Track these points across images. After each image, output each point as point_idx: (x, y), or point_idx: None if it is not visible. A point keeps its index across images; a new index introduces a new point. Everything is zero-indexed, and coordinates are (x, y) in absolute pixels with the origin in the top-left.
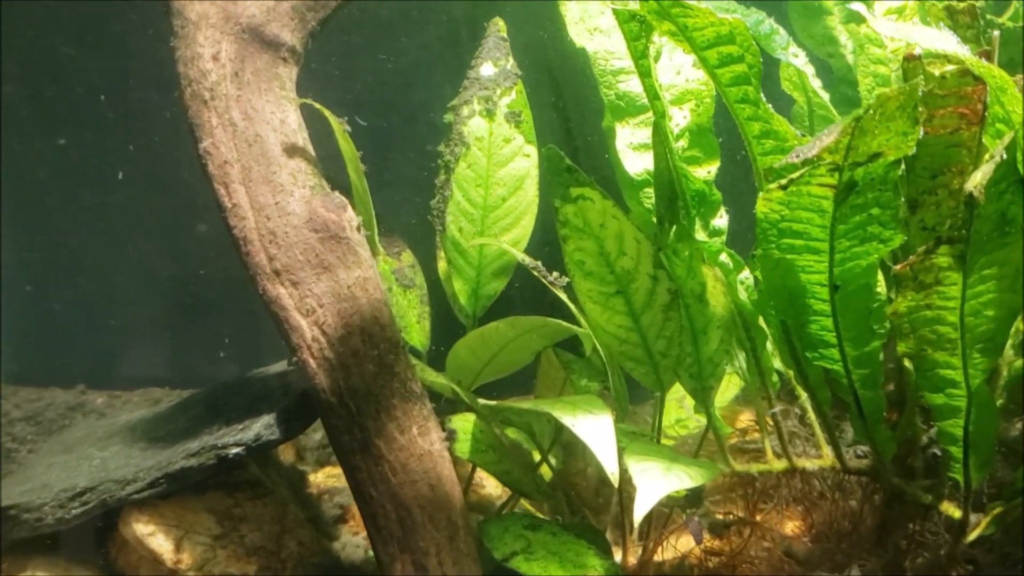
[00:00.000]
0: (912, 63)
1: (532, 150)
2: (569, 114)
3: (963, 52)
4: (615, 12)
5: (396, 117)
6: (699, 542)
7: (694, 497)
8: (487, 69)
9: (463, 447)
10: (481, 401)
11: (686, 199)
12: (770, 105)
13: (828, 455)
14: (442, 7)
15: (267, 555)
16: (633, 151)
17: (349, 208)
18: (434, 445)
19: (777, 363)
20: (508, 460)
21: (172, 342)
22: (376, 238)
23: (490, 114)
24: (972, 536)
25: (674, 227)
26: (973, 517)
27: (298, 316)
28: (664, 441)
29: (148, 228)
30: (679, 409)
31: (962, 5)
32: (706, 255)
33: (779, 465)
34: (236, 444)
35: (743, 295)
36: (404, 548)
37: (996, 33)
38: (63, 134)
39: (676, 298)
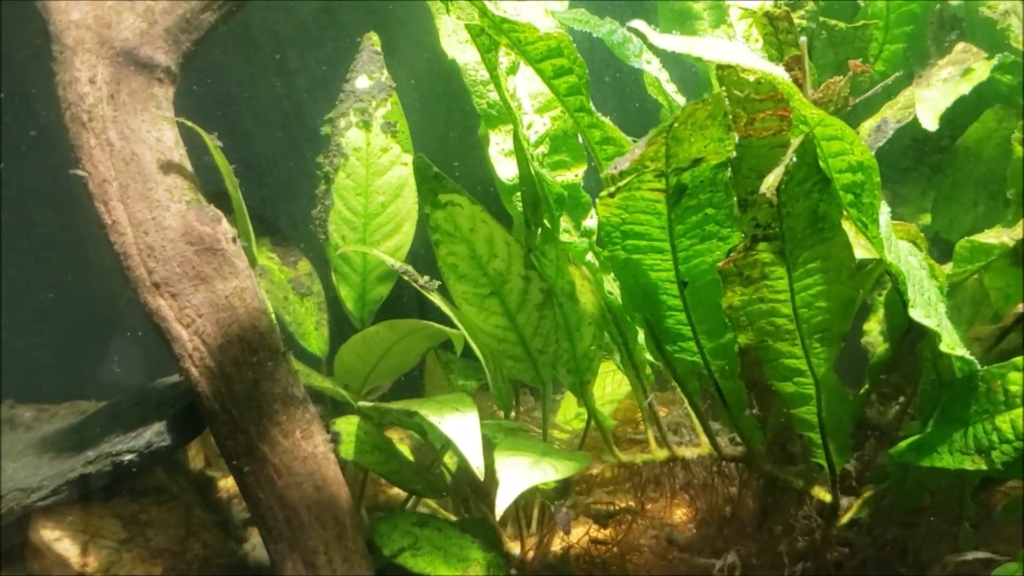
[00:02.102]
0: (727, 70)
1: (410, 159)
2: (456, 121)
3: (753, 61)
4: (467, 27)
5: (300, 130)
6: (567, 532)
7: (562, 489)
8: (362, 82)
9: (347, 449)
10: (361, 403)
11: (549, 202)
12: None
13: (706, 443)
14: (338, 22)
15: (172, 557)
16: (504, 157)
17: (224, 221)
18: (318, 447)
19: (650, 356)
20: (395, 460)
21: (99, 355)
22: (254, 249)
23: (366, 125)
24: (845, 519)
25: (540, 229)
26: (845, 501)
27: (178, 327)
28: (560, 435)
29: (68, 244)
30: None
31: (779, 12)
32: (573, 255)
33: (661, 454)
34: (129, 451)
35: (611, 293)
36: (293, 547)
37: (804, 39)
38: None
39: (550, 297)
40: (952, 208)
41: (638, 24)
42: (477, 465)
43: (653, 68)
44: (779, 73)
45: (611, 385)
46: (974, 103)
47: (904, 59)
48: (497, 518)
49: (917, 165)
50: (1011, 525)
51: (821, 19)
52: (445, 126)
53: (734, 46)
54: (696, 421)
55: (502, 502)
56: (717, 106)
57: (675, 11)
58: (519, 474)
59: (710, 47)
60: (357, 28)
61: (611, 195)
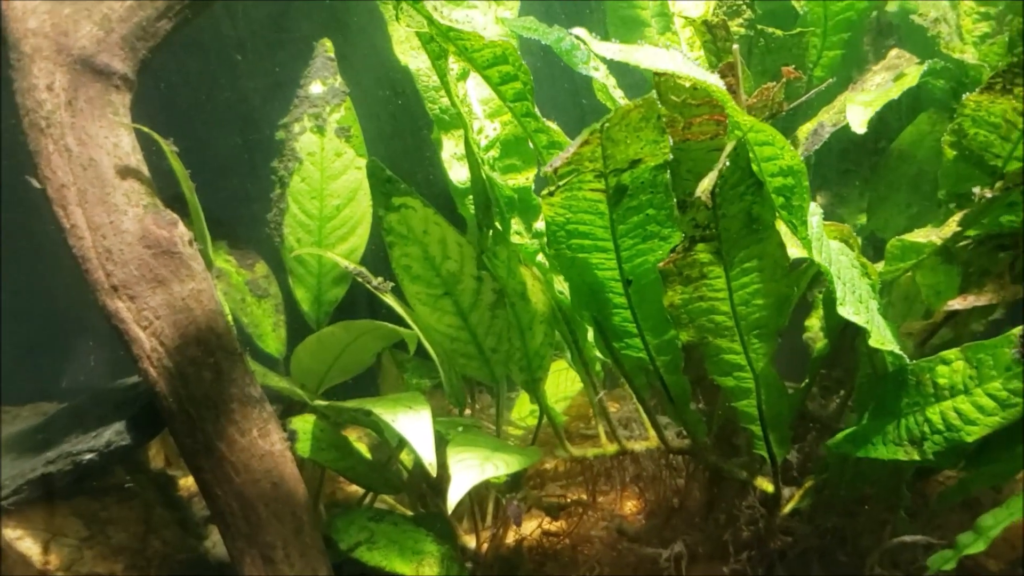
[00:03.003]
0: (663, 76)
1: (364, 163)
2: (411, 125)
3: (688, 69)
4: (418, 34)
5: (256, 134)
6: (518, 524)
7: (513, 483)
8: (316, 88)
9: (304, 446)
10: (317, 402)
11: (500, 205)
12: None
13: (654, 437)
14: (293, 28)
15: (133, 554)
16: (457, 161)
17: (180, 224)
18: (275, 446)
19: (599, 353)
20: (351, 457)
21: (61, 357)
22: (210, 251)
23: (320, 130)
24: (787, 509)
25: (491, 231)
26: (788, 491)
27: (137, 328)
28: (514, 431)
29: (35, 246)
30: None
31: (716, 21)
32: (524, 256)
33: (611, 448)
34: (89, 451)
35: (561, 292)
36: (251, 543)
37: (736, 47)
38: None
39: (502, 297)
40: (887, 208)
41: (579, 32)
42: (430, 461)
43: (600, 74)
44: (713, 80)
45: (564, 382)
46: (910, 106)
47: (843, 64)
48: (449, 512)
49: (856, 167)
50: (947, 513)
51: (759, 27)
52: (400, 130)
53: (670, 54)
54: (644, 416)
55: (454, 496)
56: (650, 108)
57: (624, 18)
58: (470, 469)
59: (646, 55)
60: (312, 34)
61: (551, 194)
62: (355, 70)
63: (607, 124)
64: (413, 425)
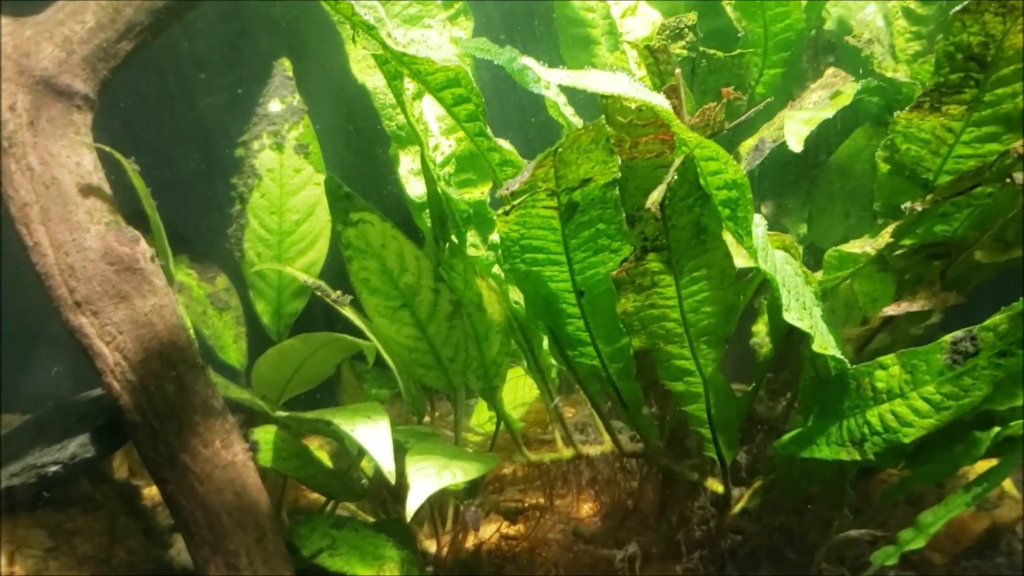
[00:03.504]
0: (610, 99)
1: (322, 179)
2: (370, 141)
3: (634, 91)
4: (374, 56)
5: (217, 150)
6: (476, 529)
7: (471, 489)
8: (275, 106)
9: (265, 456)
10: (278, 413)
11: (455, 219)
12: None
13: (608, 441)
14: (253, 46)
15: (98, 564)
16: (414, 176)
17: (142, 241)
18: (237, 456)
19: (554, 361)
20: (312, 466)
21: (24, 369)
22: (171, 267)
23: (279, 147)
24: (737, 508)
25: (448, 244)
26: (737, 491)
27: (100, 343)
28: (474, 438)
29: None
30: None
31: (658, 45)
32: (480, 268)
33: (568, 453)
34: (54, 463)
35: (516, 303)
36: (216, 551)
37: (678, 71)
38: None
39: (459, 308)
40: (826, 219)
41: (527, 61)
42: (389, 469)
43: (551, 93)
44: (659, 101)
45: (522, 388)
46: (849, 121)
47: (783, 82)
48: (408, 519)
49: (798, 179)
50: (893, 509)
51: (701, 48)
52: (358, 146)
53: (617, 77)
54: (599, 421)
55: (412, 504)
56: (599, 132)
57: (575, 36)
58: (428, 477)
59: (593, 80)
60: (272, 52)
61: (506, 213)
62: (314, 88)
63: (559, 148)
64: (372, 435)
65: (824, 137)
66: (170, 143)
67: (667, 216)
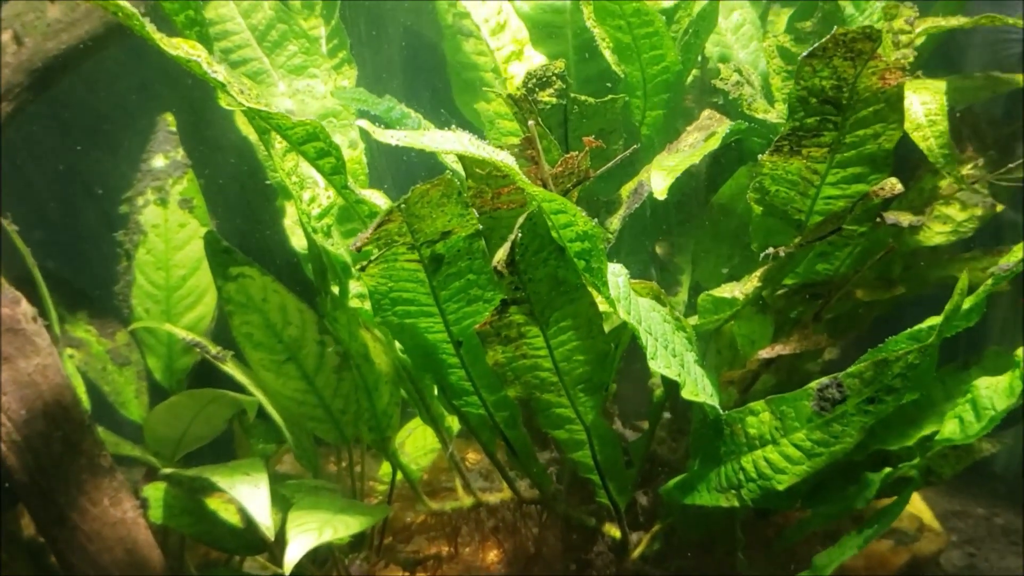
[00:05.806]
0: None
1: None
2: (264, 193)
3: (475, 148)
4: (243, 112)
5: (118, 203)
6: None
7: (356, 542)
8: (158, 162)
9: (156, 513)
10: (164, 470)
11: (336, 271)
12: None
13: (507, 489)
14: (153, 98)
15: None
16: (299, 227)
17: (23, 302)
18: (127, 513)
19: (445, 410)
20: (206, 522)
21: None
22: (56, 326)
23: (164, 202)
24: (636, 553)
25: (329, 296)
26: (636, 536)
27: None
28: (380, 487)
29: None
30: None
31: (520, 95)
32: (364, 319)
33: (468, 501)
34: None
35: (403, 352)
36: None
37: (531, 123)
38: None
39: (347, 359)
40: (711, 260)
41: (362, 123)
42: (266, 525)
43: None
44: (502, 157)
45: (429, 435)
46: (736, 159)
47: (666, 122)
48: (286, 574)
49: (689, 218)
50: (804, 548)
51: (572, 95)
52: (249, 199)
53: (456, 136)
54: (496, 468)
55: (289, 559)
56: (448, 186)
57: (466, 81)
58: (308, 533)
59: (431, 139)
60: (171, 104)
61: (362, 269)
62: (212, 139)
63: (405, 203)
64: (250, 493)
65: (719, 172)
66: (72, 197)
67: (522, 271)
